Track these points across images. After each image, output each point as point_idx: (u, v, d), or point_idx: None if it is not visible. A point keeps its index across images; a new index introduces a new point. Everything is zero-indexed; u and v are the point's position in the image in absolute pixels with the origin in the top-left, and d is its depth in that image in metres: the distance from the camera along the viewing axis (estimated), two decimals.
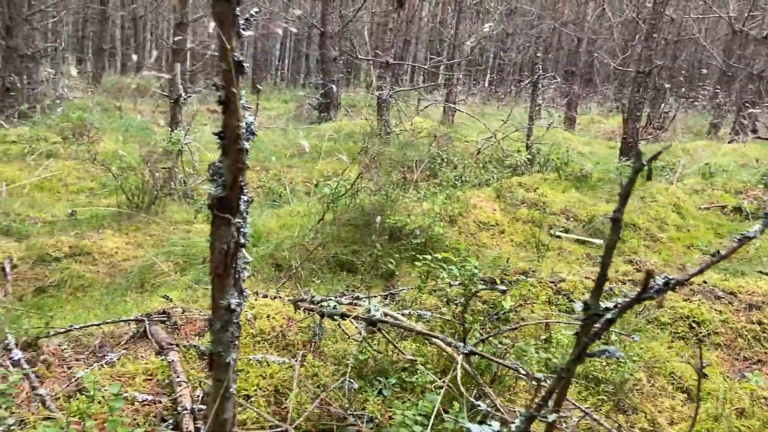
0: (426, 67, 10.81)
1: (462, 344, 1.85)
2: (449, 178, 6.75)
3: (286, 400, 2.18)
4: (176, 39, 9.82)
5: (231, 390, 1.38)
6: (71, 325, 2.61)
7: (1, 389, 1.84)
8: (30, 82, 10.76)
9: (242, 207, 1.20)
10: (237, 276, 1.25)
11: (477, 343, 1.97)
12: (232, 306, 1.26)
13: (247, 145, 1.13)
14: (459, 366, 1.83)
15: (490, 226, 5.68)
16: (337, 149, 8.18)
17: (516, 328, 2.32)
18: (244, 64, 1.07)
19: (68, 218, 5.40)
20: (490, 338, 2.08)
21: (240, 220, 1.20)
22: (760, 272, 4.02)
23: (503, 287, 1.98)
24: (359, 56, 9.67)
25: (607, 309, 1.30)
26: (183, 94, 5.95)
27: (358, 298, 2.67)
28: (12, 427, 1.77)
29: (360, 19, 12.39)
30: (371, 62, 11.42)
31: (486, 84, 21.80)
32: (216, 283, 1.26)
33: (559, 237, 5.64)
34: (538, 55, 8.17)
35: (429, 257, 2.69)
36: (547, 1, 21.80)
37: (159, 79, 16.67)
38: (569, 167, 7.08)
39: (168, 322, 2.77)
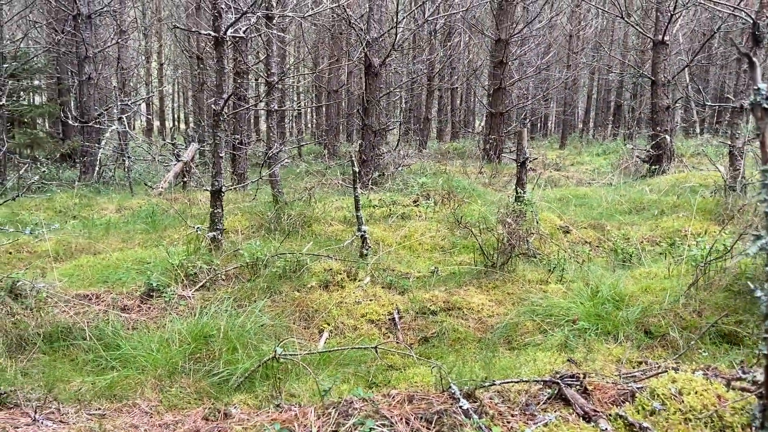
0: None
1: None
2: None
3: None
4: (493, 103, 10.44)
5: None
6: (494, 381, 2.83)
7: None
8: (379, 153, 12.59)
9: None
10: None
11: None
12: None
13: None
14: None
15: None
16: (684, 204, 7.55)
17: None
18: None
19: (432, 275, 6.00)
20: None
21: None
22: None
23: None
24: (704, 102, 8.89)
25: None
26: (529, 156, 6.21)
27: None
28: None
29: (697, 62, 11.46)
30: (704, 108, 10.37)
31: None
32: None
33: None
34: None
35: None
36: None
37: (478, 143, 17.91)
38: None
39: (578, 386, 2.81)
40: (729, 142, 7.52)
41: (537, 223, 6.92)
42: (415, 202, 9.04)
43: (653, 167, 10.40)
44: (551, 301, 4.93)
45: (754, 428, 2.31)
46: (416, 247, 7.27)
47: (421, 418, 2.37)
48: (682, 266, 5.32)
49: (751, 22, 7.54)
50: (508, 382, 2.86)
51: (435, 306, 5.11)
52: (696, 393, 2.49)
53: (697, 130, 19.00)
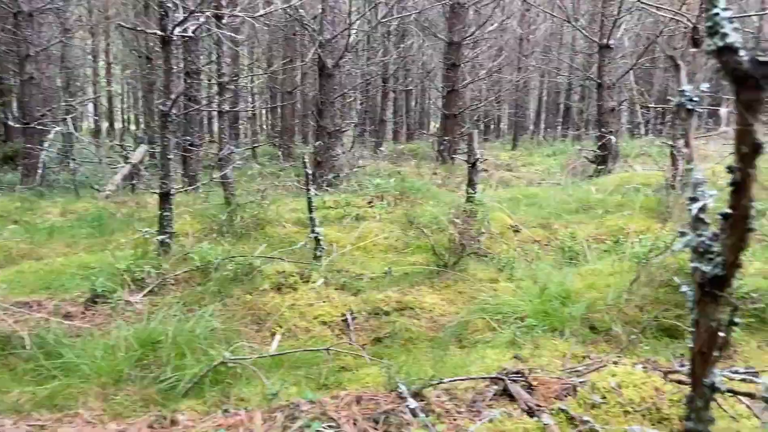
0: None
1: None
2: None
3: None
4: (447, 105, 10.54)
5: None
6: (441, 379, 2.86)
7: None
8: (334, 155, 12.56)
9: (734, 284, 1.19)
10: (720, 353, 1.23)
11: None
12: (717, 385, 1.24)
13: (754, 224, 1.13)
14: None
15: None
16: (628, 203, 7.80)
17: None
18: (763, 146, 1.08)
19: (386, 275, 6.02)
20: None
21: (731, 299, 1.20)
22: None
23: None
24: (647, 104, 9.22)
25: None
26: (480, 157, 6.31)
27: (739, 372, 2.44)
28: None
29: (641, 66, 11.90)
30: (647, 110, 10.75)
31: None
32: (699, 360, 1.26)
33: None
34: None
35: None
36: None
37: (433, 144, 18.08)
38: None
39: (523, 382, 2.86)
40: (670, 143, 7.81)
41: (488, 222, 7.02)
42: (369, 203, 9.05)
43: (600, 167, 10.72)
44: (501, 299, 5.01)
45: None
46: (370, 248, 7.28)
47: (369, 418, 2.38)
48: (625, 263, 5.49)
49: (691, 26, 7.86)
50: (456, 380, 2.90)
51: (388, 306, 5.13)
52: (635, 386, 2.57)
53: (642, 131, 19.69)
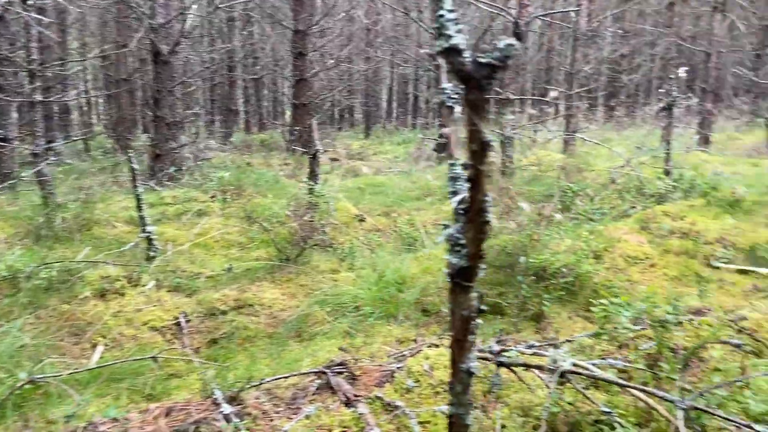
0: (549, 100, 10.68)
1: (680, 399, 1.78)
2: (586, 211, 6.54)
3: None
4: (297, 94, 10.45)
5: None
6: (262, 379, 2.80)
7: None
8: (175, 147, 11.88)
9: (480, 274, 1.26)
10: (473, 339, 1.30)
11: (697, 395, 1.88)
12: (472, 369, 1.31)
13: (490, 217, 1.19)
14: (681, 423, 1.74)
15: (639, 260, 5.41)
16: None
17: (738, 381, 2.18)
18: (491, 144, 1.14)
19: (226, 272, 5.82)
20: (711, 391, 1.96)
21: (478, 289, 1.26)
22: None
23: (738, 341, 1.88)
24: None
25: None
26: (320, 149, 6.30)
27: (534, 346, 2.65)
28: None
29: None
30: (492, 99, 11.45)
31: (604, 108, 21.11)
32: (456, 347, 1.32)
33: (718, 268, 5.26)
34: (671, 77, 7.82)
35: (605, 302, 2.62)
36: (663, 18, 20.86)
37: (283, 134, 17.78)
38: (718, 191, 6.63)
39: (346, 373, 2.89)
40: (499, 131, 8.36)
41: (333, 213, 7.06)
42: (212, 197, 8.69)
43: (442, 154, 11.24)
44: (341, 289, 5.06)
45: (492, 393, 2.57)
46: (212, 245, 6.99)
47: (178, 431, 2.26)
48: None
49: (513, 21, 8.43)
50: (279, 378, 2.86)
51: (225, 305, 4.96)
52: (445, 367, 2.70)
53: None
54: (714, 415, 1.80)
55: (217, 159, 13.90)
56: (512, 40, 1.04)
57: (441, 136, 11.57)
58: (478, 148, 1.11)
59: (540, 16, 10.67)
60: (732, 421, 1.75)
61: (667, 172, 7.41)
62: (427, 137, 12.62)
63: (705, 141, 13.21)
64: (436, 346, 3.06)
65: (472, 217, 1.20)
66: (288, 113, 29.18)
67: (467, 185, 1.17)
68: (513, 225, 5.43)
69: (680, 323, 2.85)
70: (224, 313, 4.88)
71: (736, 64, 18.47)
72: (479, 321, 3.10)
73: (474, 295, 1.25)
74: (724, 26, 13.54)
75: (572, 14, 11.74)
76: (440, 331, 4.37)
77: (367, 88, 25.52)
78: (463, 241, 1.23)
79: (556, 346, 3.24)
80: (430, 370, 2.69)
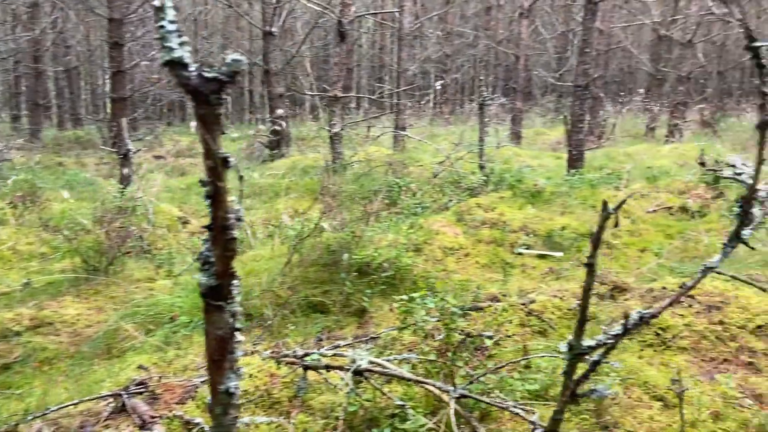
0: (374, 97, 10.98)
1: (452, 388, 1.91)
2: (409, 206, 6.84)
3: None
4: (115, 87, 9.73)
5: None
6: (47, 408, 2.54)
7: None
8: None
9: (234, 292, 1.23)
10: (234, 360, 1.27)
11: (468, 384, 2.03)
12: (231, 390, 1.27)
13: (236, 233, 1.16)
14: (452, 410, 1.88)
15: (455, 251, 5.78)
16: (294, 186, 8.20)
17: (503, 366, 2.39)
18: (230, 159, 1.11)
19: (24, 288, 5.22)
20: (480, 378, 2.13)
21: (233, 307, 1.23)
22: (715, 272, 4.22)
23: (489, 334, 2.05)
24: (306, 92, 9.76)
25: (591, 347, 1.37)
26: (131, 148, 5.88)
27: (339, 346, 2.69)
28: None
29: (302, 53, 12.54)
30: (319, 97, 11.53)
31: (432, 106, 22.29)
32: (213, 368, 1.27)
33: (521, 254, 5.78)
34: (481, 78, 8.44)
35: (405, 297, 2.74)
36: (481, 21, 22.49)
37: (100, 130, 16.36)
38: (523, 183, 7.30)
39: (146, 393, 2.72)
40: (327, 128, 8.43)
41: (150, 216, 6.63)
42: (11, 204, 7.74)
43: (274, 151, 11.09)
44: (156, 299, 4.77)
45: (298, 398, 2.56)
46: (9, 257, 6.23)
47: None
48: (285, 246, 5.75)
49: (337, 19, 8.53)
50: (67, 406, 2.61)
51: (19, 325, 4.43)
52: (250, 376, 2.65)
53: (319, 116, 21.07)
54: (478, 400, 1.97)
55: (20, 159, 12.44)
56: (239, 56, 1.01)
57: (274, 132, 11.42)
58: (215, 164, 1.08)
59: (363, 15, 10.93)
60: (492, 404, 1.93)
61: (481, 167, 8.00)
62: (259, 133, 12.40)
63: (517, 137, 14.51)
64: (246, 354, 3.00)
65: (217, 234, 1.16)
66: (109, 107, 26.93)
67: (208, 202, 1.13)
68: (336, 223, 5.50)
69: (473, 311, 3.07)
70: (18, 334, 4.37)
71: (541, 67, 20.51)
72: (291, 326, 3.07)
73: (228, 314, 1.22)
74: (529, 31, 14.95)
75: (397, 14, 12.19)
76: (265, 335, 4.30)
77: None
78: (212, 259, 1.19)
79: (371, 341, 3.34)
80: None
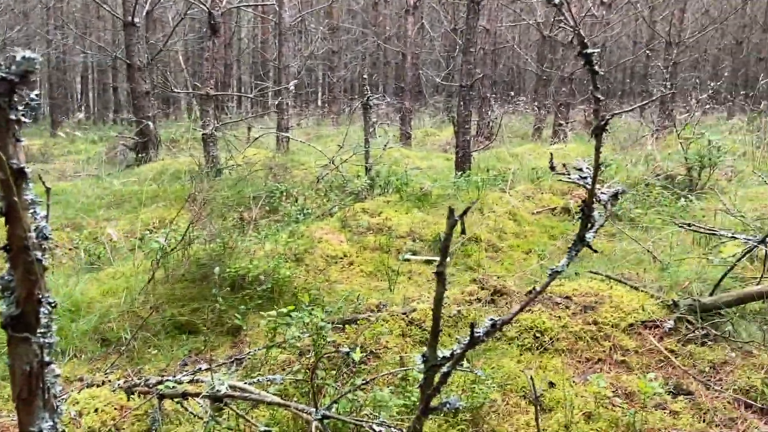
0: (252, 96, 10.77)
1: (314, 410, 1.89)
2: (290, 213, 6.78)
3: None
4: None
5: None
6: None
7: None
8: None
9: (44, 320, 1.14)
10: (46, 396, 1.17)
11: (331, 404, 2.02)
12: (44, 431, 1.18)
13: (39, 254, 1.08)
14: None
15: (339, 259, 5.79)
16: (162, 193, 7.85)
17: (369, 382, 2.40)
18: (26, 170, 1.02)
19: None
20: (347, 395, 2.14)
21: (42, 338, 1.14)
22: (591, 272, 4.54)
23: (347, 349, 2.05)
24: (175, 89, 9.40)
25: (445, 358, 1.41)
26: None
27: (199, 370, 2.59)
28: None
29: (172, 47, 12.05)
30: (191, 95, 11.14)
31: (318, 104, 22.27)
32: (21, 408, 1.17)
33: (408, 260, 5.90)
34: (364, 77, 8.55)
35: (274, 313, 2.70)
36: (368, 17, 22.82)
37: None
38: (409, 187, 7.46)
39: None
40: (200, 129, 8.17)
41: None
42: None
43: (140, 155, 10.57)
44: None
45: (153, 431, 2.44)
46: None
47: None
48: (149, 261, 5.48)
49: (207, 10, 8.29)
50: None
51: None
52: (97, 411, 2.49)
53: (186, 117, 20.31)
54: (338, 419, 1.98)
55: None
56: (32, 54, 0.94)
57: (140, 134, 10.88)
58: (6, 177, 0.99)
59: (236, 6, 10.72)
60: (350, 422, 1.94)
61: (367, 170, 8.09)
62: (123, 135, 11.76)
63: (407, 137, 14.85)
64: (96, 385, 2.82)
65: (16, 256, 1.07)
66: None
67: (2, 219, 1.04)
68: (205, 233, 5.33)
69: (349, 323, 3.08)
70: None
71: (431, 65, 21.15)
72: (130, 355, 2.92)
73: (36, 345, 1.13)
74: (416, 29, 15.37)
75: (276, 7, 12.06)
76: (125, 362, 4.07)
77: (51, 77, 22.77)
78: (13, 284, 1.09)
79: (237, 363, 3.26)
80: (78, 416, 2.45)
